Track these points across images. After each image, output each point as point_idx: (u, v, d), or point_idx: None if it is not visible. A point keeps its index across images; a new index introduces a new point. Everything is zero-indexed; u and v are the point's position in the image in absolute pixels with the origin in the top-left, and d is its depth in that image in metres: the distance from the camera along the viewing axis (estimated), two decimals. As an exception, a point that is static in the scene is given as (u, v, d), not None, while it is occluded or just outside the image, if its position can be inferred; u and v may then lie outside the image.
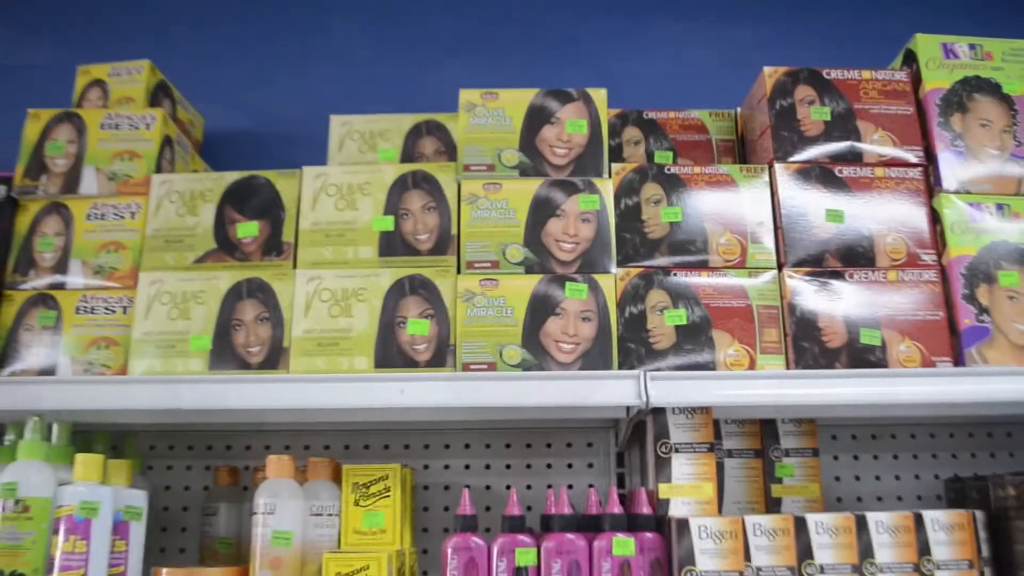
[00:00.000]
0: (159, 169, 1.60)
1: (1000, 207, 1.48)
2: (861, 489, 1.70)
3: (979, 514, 1.41)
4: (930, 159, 1.51)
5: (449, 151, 1.68)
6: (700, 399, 1.29)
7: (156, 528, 1.70)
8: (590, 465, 1.68)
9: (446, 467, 1.70)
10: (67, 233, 1.55)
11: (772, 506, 1.49)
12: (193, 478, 1.74)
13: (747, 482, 1.50)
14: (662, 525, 1.32)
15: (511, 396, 1.27)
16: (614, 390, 1.27)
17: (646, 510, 1.31)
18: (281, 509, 1.32)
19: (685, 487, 1.34)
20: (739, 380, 1.30)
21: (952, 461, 1.72)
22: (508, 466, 1.69)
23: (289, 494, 1.34)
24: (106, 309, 1.49)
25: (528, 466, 1.70)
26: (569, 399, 1.27)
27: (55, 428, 1.49)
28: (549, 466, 1.69)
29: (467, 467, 1.70)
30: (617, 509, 1.29)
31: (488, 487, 1.68)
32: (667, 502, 1.34)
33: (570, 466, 1.69)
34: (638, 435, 1.58)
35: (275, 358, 1.39)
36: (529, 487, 1.67)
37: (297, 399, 1.29)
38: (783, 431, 1.53)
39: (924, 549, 1.33)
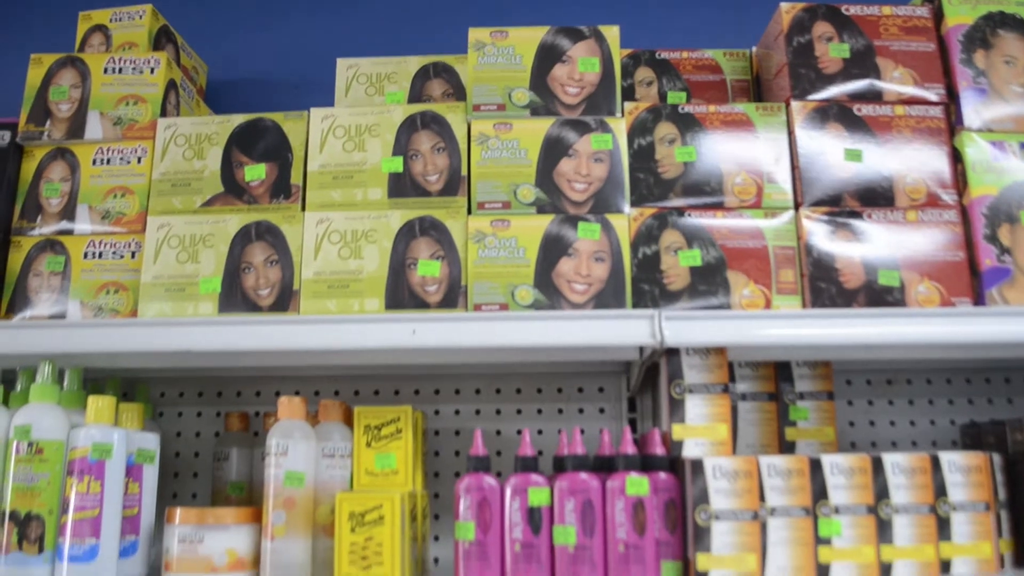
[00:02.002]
0: (164, 114, 1.57)
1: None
2: (876, 435, 1.69)
3: (996, 457, 1.40)
4: (952, 97, 1.48)
5: (457, 93, 1.66)
6: (715, 339, 1.27)
7: (168, 474, 1.71)
8: (601, 410, 1.67)
9: (456, 412, 1.70)
10: (73, 179, 1.54)
11: (786, 449, 1.48)
12: (204, 424, 1.74)
13: (761, 425, 1.48)
14: (676, 466, 1.31)
15: (523, 336, 1.25)
16: (628, 330, 1.25)
17: (660, 451, 1.30)
18: (293, 450, 1.32)
19: (699, 428, 1.33)
20: (755, 320, 1.28)
21: (968, 407, 1.71)
22: (519, 411, 1.68)
23: (301, 435, 1.33)
24: (114, 254, 1.48)
25: (539, 411, 1.69)
26: (582, 339, 1.25)
27: (67, 374, 1.49)
28: (560, 411, 1.68)
29: (477, 412, 1.69)
30: (631, 449, 1.28)
31: (499, 432, 1.67)
32: (681, 443, 1.33)
33: (581, 411, 1.68)
34: (650, 379, 1.57)
35: (285, 300, 1.38)
36: (540, 432, 1.67)
37: (308, 341, 1.28)
38: (798, 374, 1.51)
39: (940, 491, 1.32)
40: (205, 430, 1.74)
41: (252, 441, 1.64)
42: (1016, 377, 1.72)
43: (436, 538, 1.65)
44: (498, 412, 1.69)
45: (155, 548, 1.42)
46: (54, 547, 1.31)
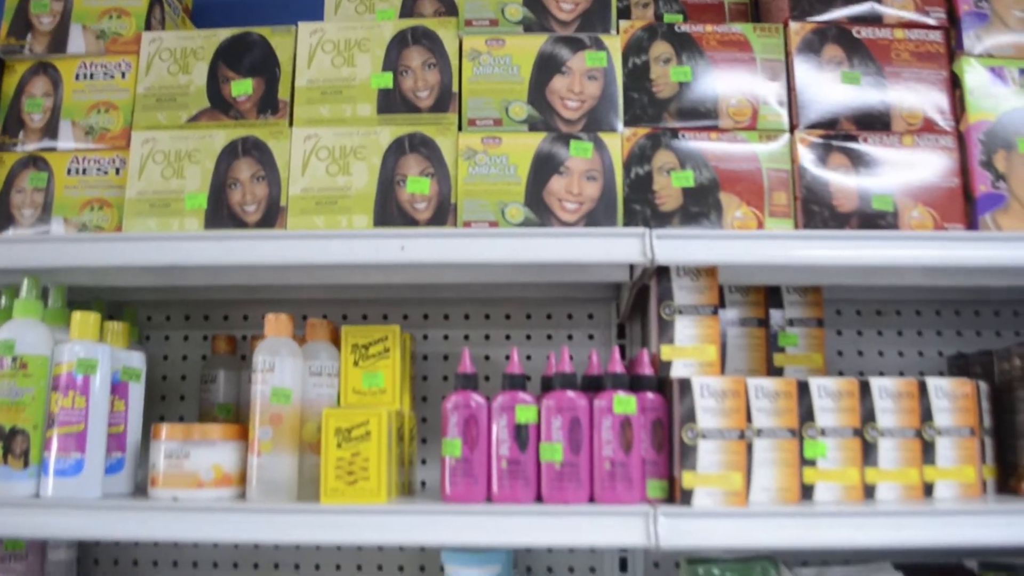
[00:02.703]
0: (148, 28, 1.53)
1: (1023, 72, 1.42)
2: (864, 364, 1.69)
3: (983, 384, 1.41)
4: (952, 22, 1.45)
5: (449, 12, 1.61)
6: (706, 257, 1.26)
7: (155, 397, 1.70)
8: (591, 336, 1.66)
9: (445, 337, 1.69)
10: (56, 94, 1.50)
11: (774, 375, 1.48)
12: (191, 348, 1.73)
13: (749, 351, 1.48)
14: (664, 387, 1.31)
15: (513, 253, 1.24)
16: (619, 248, 1.24)
17: (648, 371, 1.30)
18: (280, 367, 1.31)
19: (688, 349, 1.33)
20: (746, 240, 1.26)
21: (957, 339, 1.71)
22: (508, 336, 1.68)
23: (288, 352, 1.32)
24: (98, 170, 1.45)
25: (528, 337, 1.68)
26: (572, 256, 1.24)
27: (51, 292, 1.47)
28: (549, 337, 1.67)
29: (466, 337, 1.68)
30: (619, 368, 1.28)
31: (487, 357, 1.67)
32: (669, 364, 1.32)
33: (571, 337, 1.68)
34: (640, 305, 1.56)
35: (272, 217, 1.36)
36: (529, 357, 1.66)
37: (295, 255, 1.26)
38: (788, 300, 1.51)
39: (926, 415, 1.32)
40: (192, 353, 1.73)
41: (239, 364, 1.63)
42: (1005, 310, 1.72)
43: (424, 462, 1.66)
44: (487, 337, 1.68)
45: (142, 470, 1.41)
46: (39, 461, 1.30)
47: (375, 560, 1.64)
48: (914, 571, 1.43)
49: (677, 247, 1.25)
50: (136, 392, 1.40)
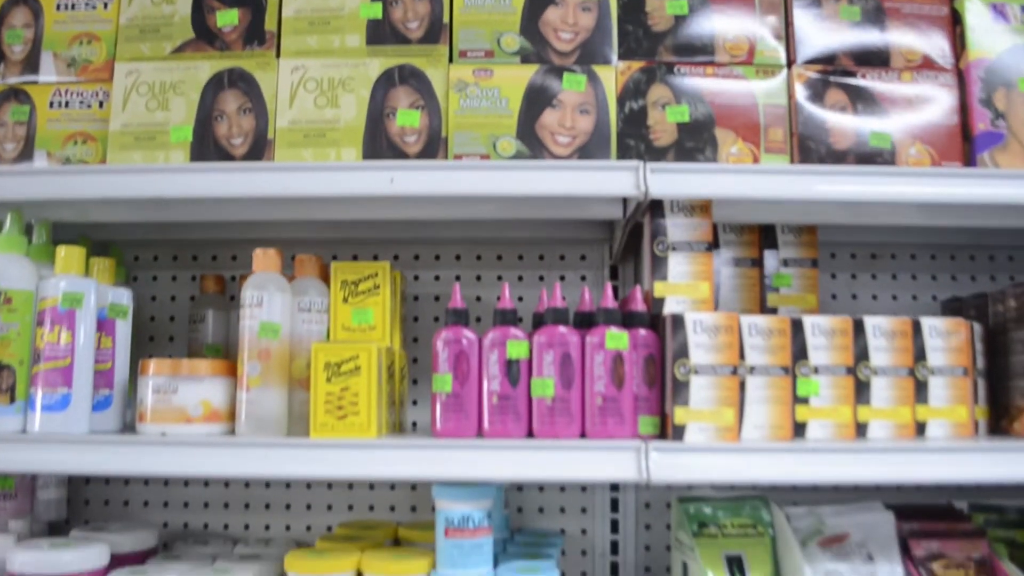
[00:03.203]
0: (131, -42, 1.49)
1: (1024, 8, 1.40)
2: (857, 308, 1.68)
3: (977, 326, 1.40)
4: (953, -44, 1.42)
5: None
6: (701, 191, 1.24)
7: (143, 338, 1.68)
8: (583, 278, 1.65)
9: (436, 278, 1.67)
10: (36, 25, 1.46)
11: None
12: (179, 289, 1.71)
13: (743, 291, 1.47)
14: (656, 324, 1.30)
15: (505, 186, 1.22)
16: (612, 181, 1.22)
17: (641, 307, 1.29)
18: (269, 301, 1.29)
19: (681, 286, 1.31)
20: (741, 174, 1.25)
21: (951, 284, 1.70)
22: (499, 277, 1.66)
23: (276, 287, 1.30)
24: (81, 103, 1.42)
25: (520, 278, 1.67)
26: (565, 189, 1.22)
27: (35, 228, 1.45)
28: (541, 278, 1.66)
29: (457, 278, 1.67)
30: (611, 304, 1.26)
31: (479, 298, 1.66)
32: (662, 301, 1.31)
33: (563, 278, 1.66)
34: (633, 246, 1.55)
35: (259, 150, 1.34)
36: (521, 299, 1.65)
37: (283, 188, 1.24)
38: (782, 240, 1.49)
39: (920, 354, 1.32)
40: (180, 294, 1.71)
41: (228, 305, 1.61)
42: (1000, 254, 1.71)
43: (415, 403, 1.65)
44: (478, 278, 1.67)
45: (130, 411, 1.40)
46: (26, 397, 1.29)
47: (366, 500, 1.64)
48: (904, 511, 1.43)
49: (671, 181, 1.23)
50: (123, 329, 1.39)
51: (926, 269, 1.70)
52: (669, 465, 1.17)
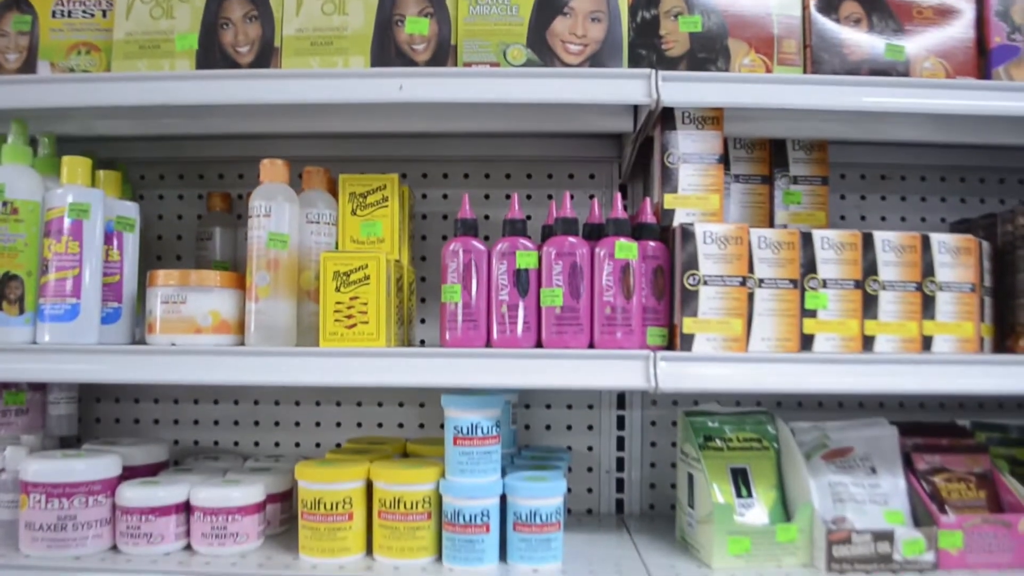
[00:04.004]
0: None
1: (1045, -85, 1.36)
2: (866, 229, 1.67)
3: (985, 244, 1.39)
4: None
5: None
6: (712, 99, 1.23)
7: (151, 257, 1.68)
8: (591, 197, 1.64)
9: (444, 196, 1.66)
10: (37, -67, 1.43)
11: (777, 232, 1.46)
12: (186, 208, 1.71)
13: (752, 207, 1.46)
14: (665, 236, 1.29)
15: (515, 93, 1.20)
16: (624, 88, 1.20)
17: (650, 219, 1.28)
18: (277, 211, 1.29)
19: (691, 198, 1.31)
20: (753, 83, 1.23)
21: (960, 206, 1.69)
22: (507, 196, 1.65)
23: (284, 197, 1.30)
24: (84, 12, 1.40)
25: (529, 196, 1.66)
26: (576, 96, 1.20)
27: (40, 140, 1.44)
28: (550, 197, 1.65)
29: (466, 197, 1.66)
30: (621, 214, 1.26)
31: (487, 217, 1.65)
32: (672, 213, 1.31)
33: (572, 198, 1.64)
34: (642, 163, 1.54)
35: (266, 58, 1.32)
36: (529, 218, 1.64)
37: (291, 95, 1.22)
38: (793, 158, 1.48)
39: (928, 270, 1.31)
40: (187, 213, 1.71)
41: (235, 223, 1.61)
42: (1010, 177, 1.69)
43: (423, 321, 1.65)
44: (487, 197, 1.66)
45: (139, 329, 1.40)
46: (35, 308, 1.29)
47: (375, 417, 1.66)
48: (908, 428, 1.44)
49: (683, 89, 1.21)
50: (131, 242, 1.38)
51: (935, 191, 1.69)
52: (677, 374, 1.18)
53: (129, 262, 1.38)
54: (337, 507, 1.26)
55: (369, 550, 1.29)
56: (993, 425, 1.54)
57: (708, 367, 1.19)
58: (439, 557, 1.27)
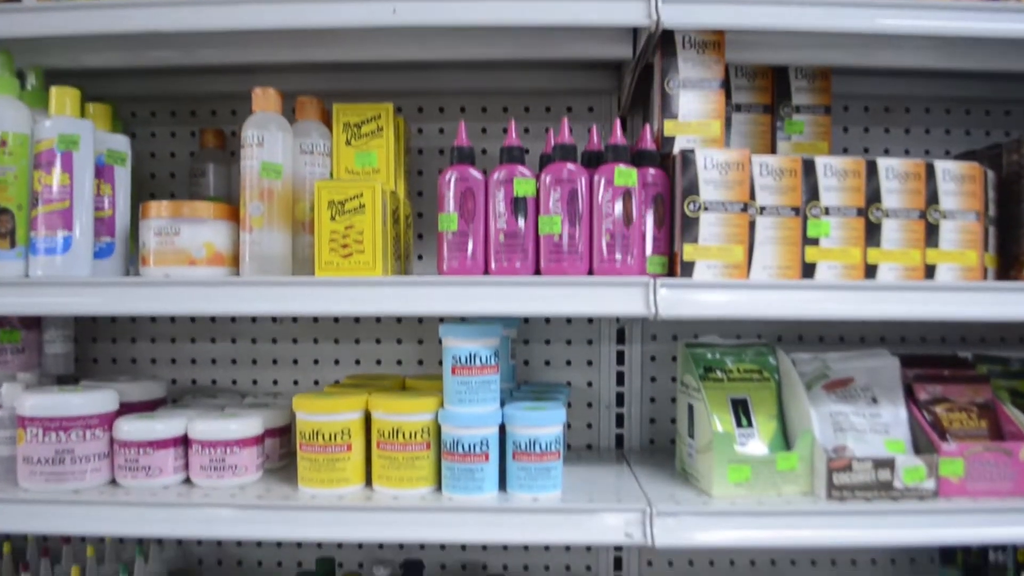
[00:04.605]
0: None
1: None
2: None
3: (990, 173, 1.37)
4: None
5: None
6: (715, 21, 1.19)
7: (144, 195, 1.66)
8: (590, 130, 1.61)
9: (440, 131, 1.64)
10: None
11: (778, 162, 1.44)
12: (178, 145, 1.68)
13: (753, 138, 1.44)
14: (666, 163, 1.27)
15: (510, 15, 1.17)
16: (623, 9, 1.17)
17: (651, 146, 1.26)
18: (270, 141, 1.26)
19: (692, 124, 1.28)
20: (755, 5, 1.20)
21: (965, 139, 1.67)
22: (504, 131, 1.62)
23: (277, 126, 1.27)
24: (68, -61, 1.36)
25: (527, 130, 1.63)
26: (572, 18, 1.17)
27: (28, 74, 1.41)
28: (547, 130, 1.62)
29: (463, 131, 1.64)
30: (620, 141, 1.23)
31: (484, 151, 1.62)
32: (672, 140, 1.28)
33: (570, 131, 1.62)
34: (642, 94, 1.51)
35: (255, -17, 1.28)
36: (527, 151, 1.61)
37: (283, 19, 1.19)
38: (795, 87, 1.45)
39: (932, 198, 1.29)
40: (180, 151, 1.68)
41: (228, 159, 1.59)
42: (1016, 109, 1.67)
43: (420, 257, 1.64)
44: (483, 131, 1.63)
45: (133, 267, 1.39)
46: (27, 242, 1.28)
47: (373, 355, 1.65)
48: (910, 360, 1.43)
49: (684, 11, 1.18)
50: (122, 176, 1.36)
51: (940, 123, 1.66)
52: (677, 300, 1.17)
53: (122, 197, 1.36)
54: (335, 438, 1.25)
55: (368, 481, 1.29)
56: (995, 358, 1.53)
57: (709, 293, 1.18)
58: (438, 487, 1.26)
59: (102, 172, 1.34)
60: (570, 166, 1.22)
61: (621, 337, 1.63)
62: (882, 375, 1.39)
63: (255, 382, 1.66)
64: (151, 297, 1.21)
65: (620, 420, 1.63)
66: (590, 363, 1.63)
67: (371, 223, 1.21)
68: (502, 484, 1.26)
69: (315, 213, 1.22)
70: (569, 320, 1.63)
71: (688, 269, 1.20)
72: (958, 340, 1.65)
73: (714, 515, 1.20)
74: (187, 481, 1.33)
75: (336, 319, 1.64)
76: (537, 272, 1.23)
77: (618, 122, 1.25)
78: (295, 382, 1.66)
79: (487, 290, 1.17)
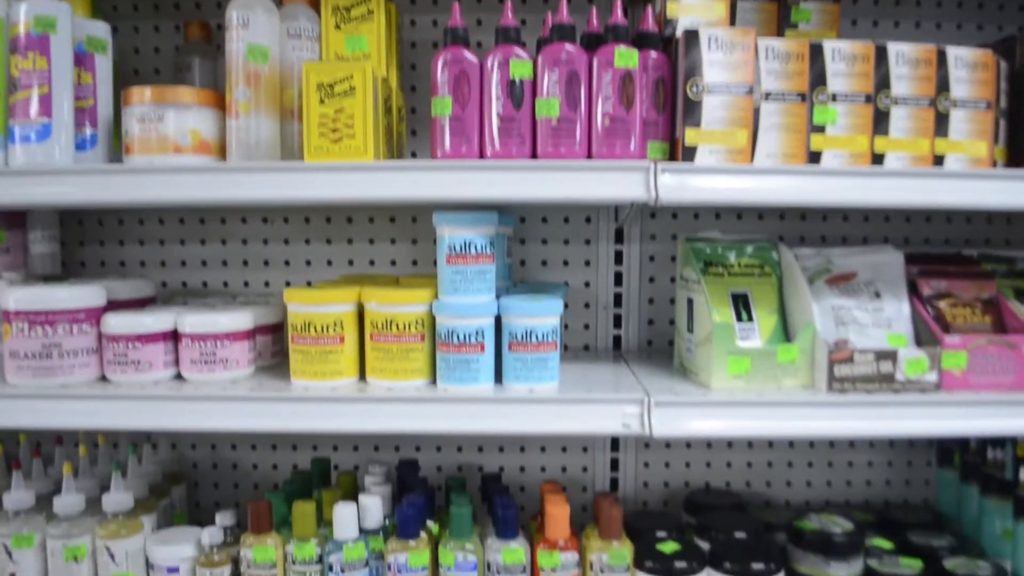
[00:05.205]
0: None
1: None
2: (877, 55, 1.60)
3: (1003, 63, 1.32)
4: None
5: None
6: None
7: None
8: (589, 13, 1.55)
9: (434, 23, 1.58)
10: None
11: (784, 52, 1.39)
12: (162, 40, 1.62)
13: (759, 25, 1.38)
14: (668, 48, 1.22)
15: None
16: None
17: (653, 28, 1.21)
18: (255, 22, 1.21)
19: (696, 5, 1.23)
20: None
21: (978, 34, 1.61)
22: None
23: (263, 8, 1.22)
24: None
25: (523, 22, 1.57)
26: None
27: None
28: (545, 20, 1.56)
29: (457, 22, 1.58)
30: (621, 21, 1.18)
31: (480, 44, 1.56)
32: (675, 21, 1.23)
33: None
34: (644, -18, 1.45)
35: None
36: (524, 44, 1.56)
37: None
38: (804, -28, 1.39)
39: (943, 85, 1.25)
40: (164, 45, 1.62)
41: (215, 53, 1.53)
42: (1030, 2, 1.61)
43: (414, 154, 1.59)
44: (479, 23, 1.57)
45: (117, 161, 1.34)
46: (4, 131, 1.23)
47: (367, 255, 1.61)
48: (914, 258, 1.41)
49: None
50: (103, 65, 1.31)
51: (952, 17, 1.60)
52: (678, 185, 1.13)
53: (103, 86, 1.31)
54: (328, 330, 1.23)
55: (362, 376, 1.27)
56: (1000, 257, 1.50)
57: (711, 178, 1.14)
58: (433, 381, 1.24)
59: (82, 60, 1.28)
60: (568, 47, 1.17)
61: (620, 237, 1.59)
62: (886, 270, 1.36)
63: (246, 284, 1.63)
64: (136, 185, 1.17)
65: (618, 321, 1.61)
66: (588, 263, 1.60)
67: (362, 107, 1.16)
68: (498, 377, 1.24)
69: (303, 97, 1.17)
70: (567, 219, 1.59)
71: (690, 154, 1.16)
72: (962, 243, 1.62)
73: (713, 405, 1.18)
74: (178, 377, 1.30)
75: (328, 219, 1.60)
76: (534, 158, 1.19)
77: (619, 2, 1.20)
78: (287, 283, 1.62)
79: (482, 175, 1.13)
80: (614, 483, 1.64)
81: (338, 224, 1.61)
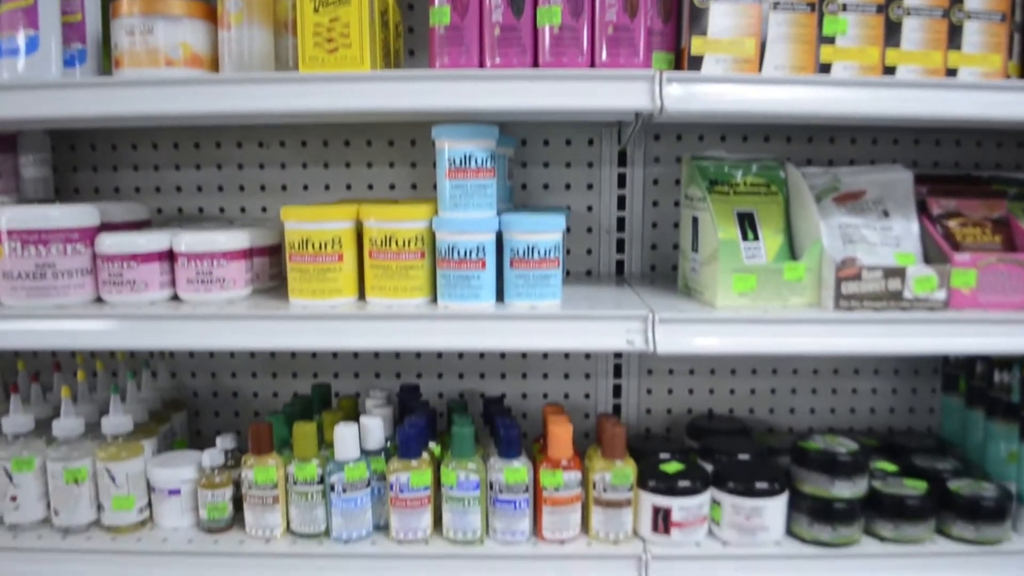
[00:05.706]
0: None
1: None
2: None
3: (1020, -26, 1.28)
4: None
5: None
6: None
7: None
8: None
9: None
10: None
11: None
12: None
13: (769, -65, 1.34)
14: (674, -46, 1.18)
15: None
16: None
17: (658, -67, 1.16)
18: (245, -73, 1.17)
19: (703, -92, 1.19)
20: None
21: (990, -51, 1.56)
22: (502, -65, 1.52)
23: (253, -89, 1.18)
24: None
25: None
26: None
27: None
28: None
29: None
30: (626, -76, 1.14)
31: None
32: (682, -74, 1.19)
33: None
34: None
35: None
36: (525, -40, 1.52)
37: None
38: None
39: (957, -5, 1.21)
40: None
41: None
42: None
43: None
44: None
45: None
46: (-8, 45, 1.20)
47: (364, 179, 1.58)
48: (924, 178, 1.38)
49: None
50: (90, -21, 1.27)
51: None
52: (684, 95, 1.10)
53: (91, 1, 1.27)
54: (326, 247, 1.20)
55: (362, 295, 1.25)
56: (1010, 179, 1.47)
57: (718, 87, 1.11)
58: (434, 299, 1.22)
59: (70, -33, 1.25)
60: (571, -49, 1.13)
61: (623, 160, 1.56)
62: (895, 188, 1.34)
63: (243, 210, 1.60)
64: (126, 98, 1.14)
65: (620, 246, 1.58)
66: (590, 187, 1.57)
67: (357, 15, 1.12)
68: (499, 296, 1.22)
69: (297, 5, 1.13)
70: (569, 141, 1.56)
71: (696, 63, 1.13)
72: (972, 166, 1.59)
73: (719, 322, 1.16)
74: (175, 298, 1.29)
75: (325, 142, 1.57)
76: (536, 67, 1.15)
77: (623, -95, 1.15)
78: (284, 209, 1.60)
79: (484, 84, 1.10)
80: (617, 409, 1.63)
81: (335, 147, 1.57)
